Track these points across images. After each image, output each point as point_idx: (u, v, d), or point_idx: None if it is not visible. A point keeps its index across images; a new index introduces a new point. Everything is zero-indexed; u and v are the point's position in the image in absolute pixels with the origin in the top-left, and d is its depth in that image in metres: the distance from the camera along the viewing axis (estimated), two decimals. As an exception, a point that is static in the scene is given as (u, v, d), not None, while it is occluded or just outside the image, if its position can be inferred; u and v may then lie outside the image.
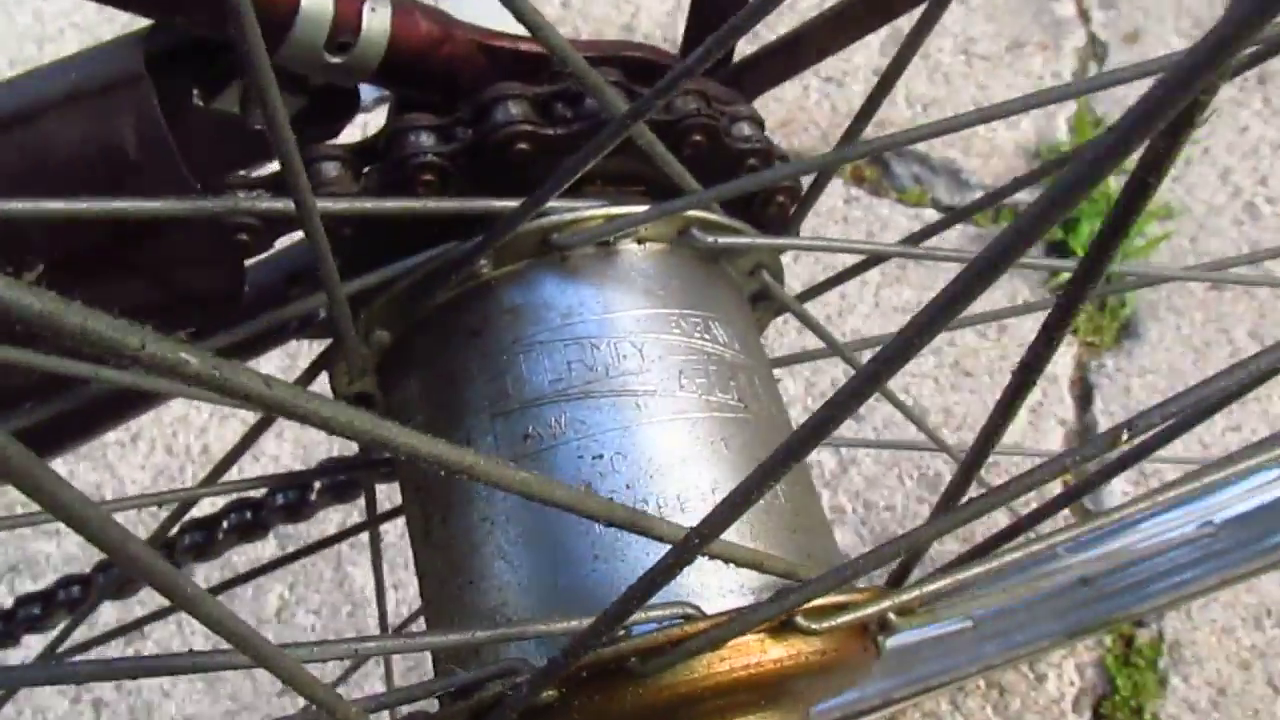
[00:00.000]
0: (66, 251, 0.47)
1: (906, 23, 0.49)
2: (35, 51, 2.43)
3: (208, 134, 0.50)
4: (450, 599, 0.47)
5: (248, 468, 1.74)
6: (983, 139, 2.05)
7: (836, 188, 1.96)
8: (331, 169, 0.48)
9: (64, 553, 1.59)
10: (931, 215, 1.97)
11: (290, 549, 1.63)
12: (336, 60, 0.45)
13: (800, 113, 2.12)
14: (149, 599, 1.13)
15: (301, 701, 0.38)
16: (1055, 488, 1.57)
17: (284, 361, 1.68)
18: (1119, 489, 1.65)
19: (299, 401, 0.23)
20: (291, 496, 0.76)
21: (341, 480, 0.73)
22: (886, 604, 0.44)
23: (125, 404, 0.63)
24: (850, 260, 0.58)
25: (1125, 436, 0.34)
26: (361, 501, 0.77)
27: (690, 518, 0.45)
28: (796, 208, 0.56)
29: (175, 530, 0.77)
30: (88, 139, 0.42)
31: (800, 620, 0.42)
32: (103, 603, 0.75)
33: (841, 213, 1.94)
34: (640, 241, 0.51)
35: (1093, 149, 0.22)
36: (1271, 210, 1.98)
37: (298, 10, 0.43)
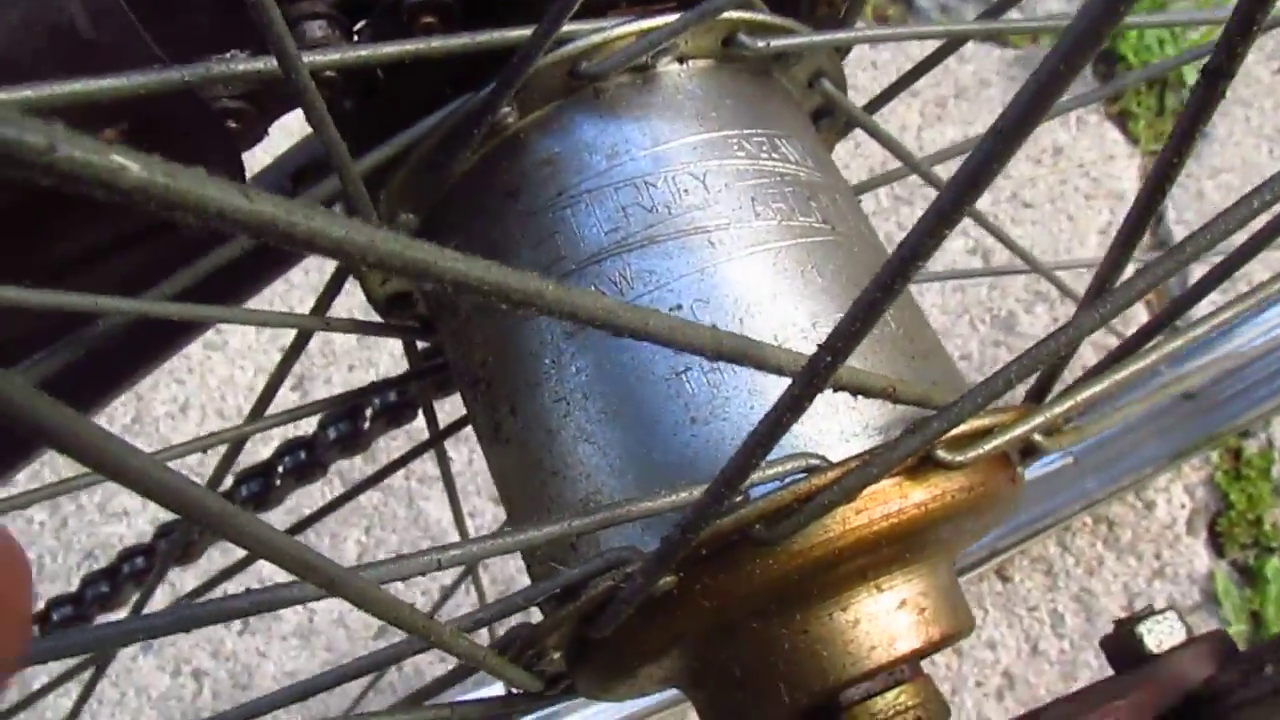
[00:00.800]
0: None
1: None
2: None
3: (201, 14, 0.43)
4: (534, 497, 0.41)
5: (304, 425, 1.71)
6: (1007, -44, 1.92)
7: (859, 34, 1.84)
8: (316, 29, 0.41)
9: (137, 532, 1.58)
10: (966, 48, 1.84)
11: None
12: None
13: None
14: (213, 563, 1.10)
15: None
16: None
17: (306, 285, 1.63)
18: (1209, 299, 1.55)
19: (293, 217, 0.16)
20: (344, 428, 0.71)
21: (394, 401, 0.68)
22: (1036, 422, 0.38)
23: (153, 338, 0.58)
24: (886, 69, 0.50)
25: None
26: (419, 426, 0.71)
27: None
28: (851, 1, 0.49)
29: (230, 483, 0.72)
30: (29, 22, 0.35)
31: (941, 454, 0.36)
32: (169, 570, 0.71)
33: (868, 58, 1.82)
34: (682, 60, 0.44)
35: None
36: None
37: None
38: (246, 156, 0.46)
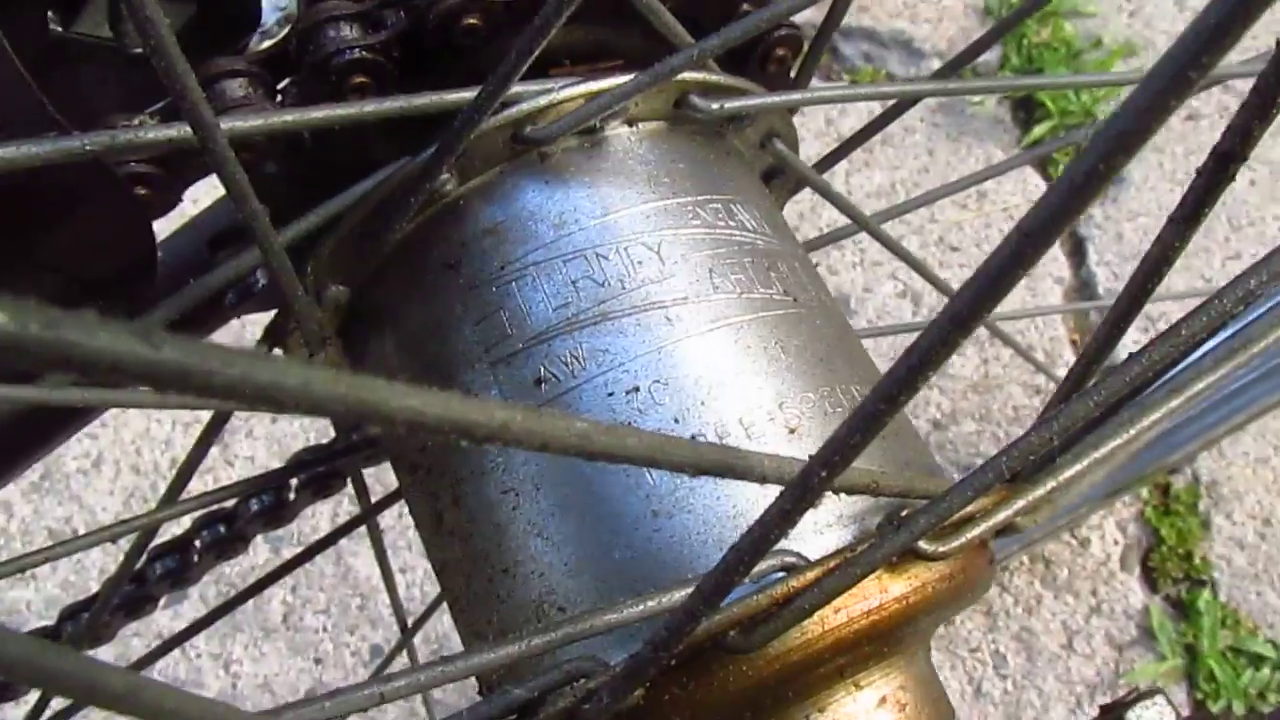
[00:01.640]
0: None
1: None
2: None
3: (85, 72, 0.39)
4: (481, 595, 0.38)
5: (222, 474, 1.64)
6: (929, 4, 1.95)
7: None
8: (236, 87, 0.37)
9: (45, 596, 1.49)
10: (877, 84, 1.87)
11: (285, 550, 1.54)
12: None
13: None
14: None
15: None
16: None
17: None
18: (1130, 338, 1.58)
19: (209, 365, 0.13)
20: (268, 500, 0.66)
21: (321, 472, 0.64)
22: (1019, 506, 0.35)
23: (52, 421, 0.53)
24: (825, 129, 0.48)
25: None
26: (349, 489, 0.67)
27: (762, 445, 0.36)
28: (804, 60, 0.47)
29: (144, 560, 0.67)
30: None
31: (922, 545, 0.34)
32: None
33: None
34: (631, 123, 0.41)
35: None
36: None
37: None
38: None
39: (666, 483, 0.35)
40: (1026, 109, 1.80)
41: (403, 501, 0.60)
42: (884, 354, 1.59)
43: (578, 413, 0.37)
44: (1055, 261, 1.68)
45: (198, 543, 0.70)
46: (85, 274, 0.41)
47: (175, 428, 1.68)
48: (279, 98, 0.39)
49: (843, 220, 1.66)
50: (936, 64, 1.83)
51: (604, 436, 0.20)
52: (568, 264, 0.38)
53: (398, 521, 1.52)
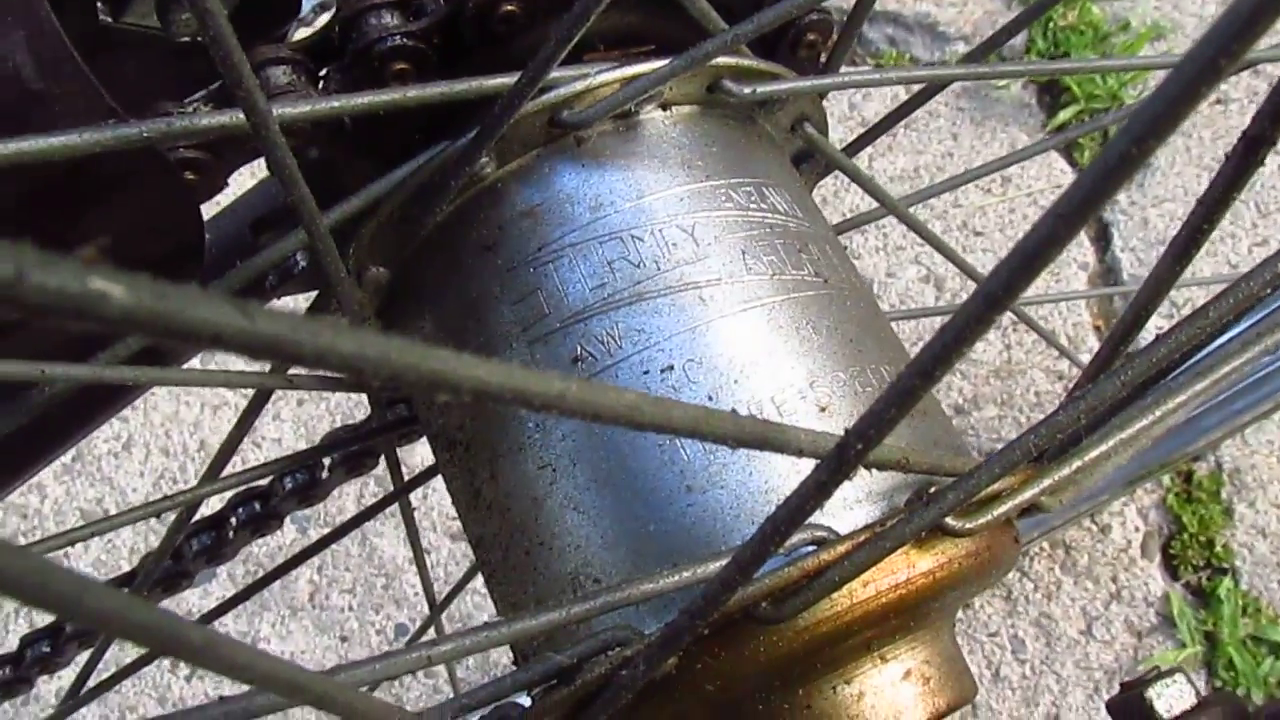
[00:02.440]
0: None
1: None
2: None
3: (128, 60, 0.40)
4: (518, 567, 0.39)
5: (250, 456, 1.66)
6: (953, -14, 1.93)
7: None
8: (280, 74, 0.38)
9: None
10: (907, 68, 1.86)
11: (311, 530, 1.56)
12: (261, -69, 0.35)
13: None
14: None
15: None
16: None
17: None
18: (1153, 323, 1.57)
19: (299, 336, 0.14)
20: (301, 479, 0.68)
21: (354, 451, 0.65)
22: (1045, 485, 0.36)
23: (96, 399, 0.54)
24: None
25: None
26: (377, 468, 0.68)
27: (793, 422, 0.37)
28: (836, 44, 0.47)
29: (181, 537, 0.69)
30: (-35, 75, 0.33)
31: (950, 521, 0.35)
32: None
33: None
34: (665, 107, 0.42)
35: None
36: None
37: None
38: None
39: (700, 458, 0.36)
40: (1052, 93, 1.79)
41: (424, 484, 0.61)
42: (907, 338, 1.59)
43: (612, 391, 0.38)
44: (1080, 247, 1.67)
45: (233, 520, 0.72)
46: (133, 256, 0.42)
47: (204, 410, 1.70)
48: (320, 84, 0.40)
49: (867, 204, 1.66)
50: (962, 48, 1.82)
51: (651, 408, 0.21)
52: (603, 245, 0.39)
53: (421, 503, 1.54)
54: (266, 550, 1.53)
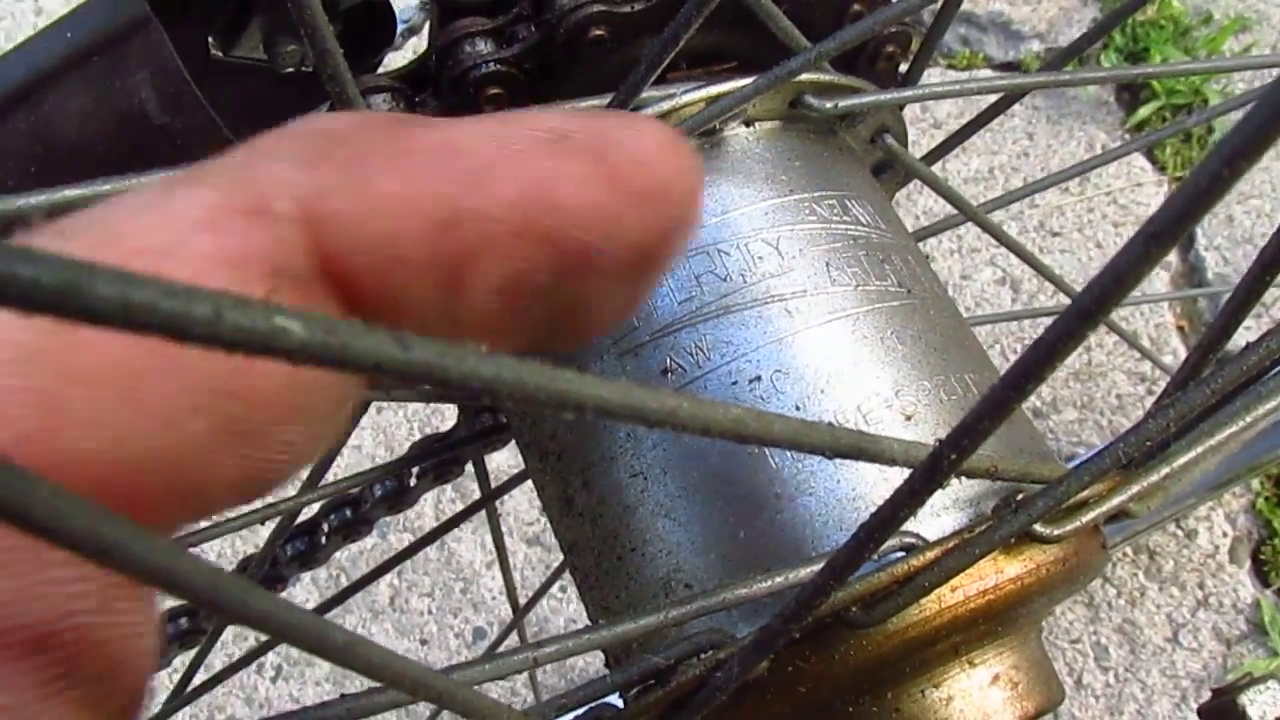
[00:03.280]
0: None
1: None
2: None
3: (234, 90, 0.43)
4: (610, 572, 0.40)
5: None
6: (1027, -17, 1.91)
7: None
8: (381, 101, 0.40)
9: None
10: (987, 76, 1.84)
11: (390, 535, 1.59)
12: (366, -32, 0.37)
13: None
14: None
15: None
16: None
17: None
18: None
19: (450, 363, 0.16)
20: (391, 486, 0.70)
21: (442, 459, 0.67)
22: (1134, 491, 0.36)
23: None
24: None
25: None
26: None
27: (879, 431, 0.37)
28: (916, 56, 0.48)
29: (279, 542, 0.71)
30: (100, 107, 0.35)
31: (1039, 528, 0.35)
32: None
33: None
34: (748, 123, 0.43)
35: None
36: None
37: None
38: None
39: (789, 466, 0.37)
40: (1130, 89, 1.76)
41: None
42: (982, 341, 1.58)
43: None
44: (1161, 246, 1.64)
45: (325, 526, 0.75)
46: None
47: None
48: (416, 109, 0.42)
49: (940, 205, 1.64)
50: (1036, 47, 1.80)
51: (754, 422, 0.22)
52: (690, 260, 0.40)
53: (499, 507, 1.57)
54: (348, 555, 1.57)
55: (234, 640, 1.49)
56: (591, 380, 0.18)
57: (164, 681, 1.42)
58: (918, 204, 1.65)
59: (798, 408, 0.38)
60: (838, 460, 0.37)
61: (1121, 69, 0.47)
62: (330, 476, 0.57)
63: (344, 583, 1.52)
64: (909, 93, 0.44)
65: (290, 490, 0.54)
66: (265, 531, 0.66)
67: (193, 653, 0.75)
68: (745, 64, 0.46)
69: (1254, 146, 0.18)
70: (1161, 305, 1.57)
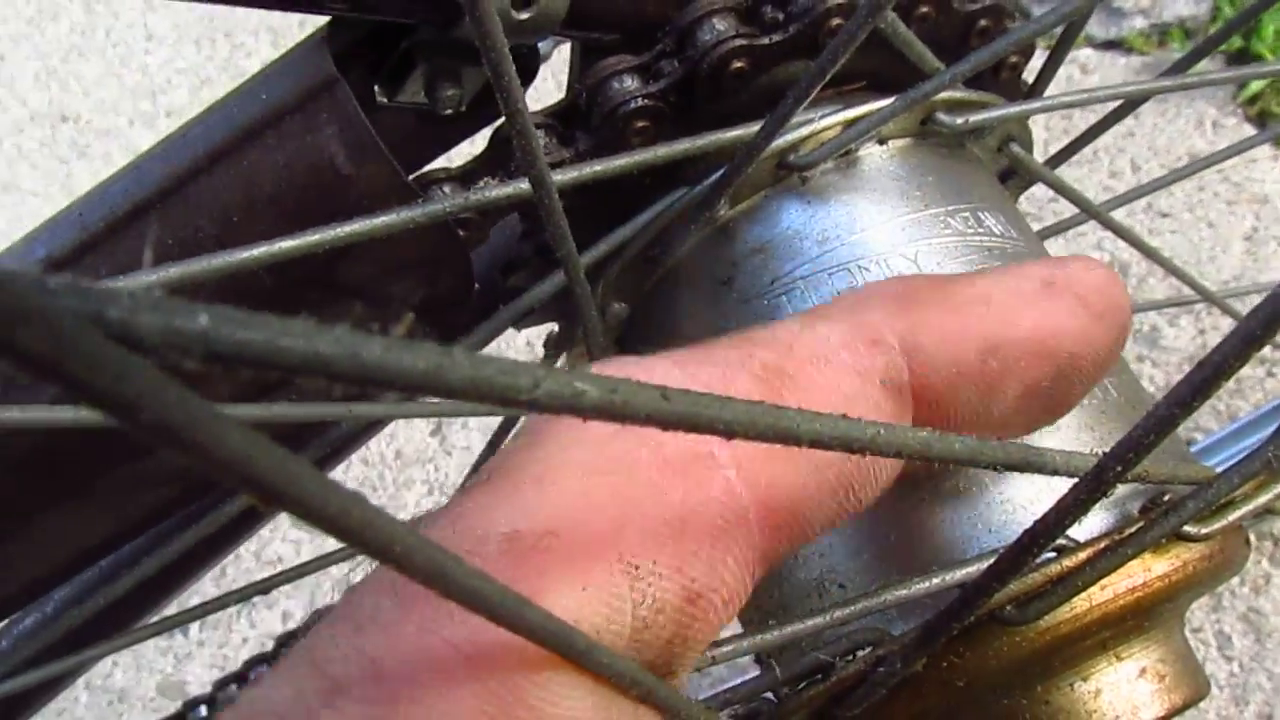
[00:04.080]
0: (277, 286, 0.44)
1: None
2: (150, 105, 2.51)
3: (397, 131, 0.46)
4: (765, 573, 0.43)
5: (441, 463, 1.76)
6: (1126, -42, 1.86)
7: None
8: (542, 137, 0.43)
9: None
10: (1089, 56, 1.81)
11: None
12: (524, 16, 0.40)
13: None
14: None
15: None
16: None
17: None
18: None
19: (701, 410, 0.18)
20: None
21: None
22: (1278, 491, 0.37)
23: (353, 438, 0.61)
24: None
25: None
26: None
27: (1029, 438, 0.39)
28: (1043, 68, 0.49)
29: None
30: (294, 160, 0.39)
31: (1187, 528, 0.37)
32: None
33: (987, 75, 1.79)
34: (882, 141, 0.45)
35: None
36: None
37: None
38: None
39: (939, 470, 0.39)
40: (1241, 63, 1.71)
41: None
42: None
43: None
44: (1279, 224, 1.59)
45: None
46: (392, 299, 0.48)
47: (399, 421, 1.81)
48: (575, 142, 0.45)
49: (1045, 193, 1.61)
50: (1140, 24, 1.76)
51: (939, 443, 0.24)
52: (832, 276, 0.42)
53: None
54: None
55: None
56: (730, 403, 0.20)
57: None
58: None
59: (943, 417, 0.40)
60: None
61: (1250, 69, 0.48)
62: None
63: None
64: (1036, 104, 0.46)
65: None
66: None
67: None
68: (873, 83, 0.48)
69: None
70: (1280, 285, 1.52)
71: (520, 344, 1.71)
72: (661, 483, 0.25)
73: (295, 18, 2.52)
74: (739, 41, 0.42)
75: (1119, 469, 0.26)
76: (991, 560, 0.31)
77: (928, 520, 0.39)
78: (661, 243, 0.45)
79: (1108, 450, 0.27)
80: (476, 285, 0.47)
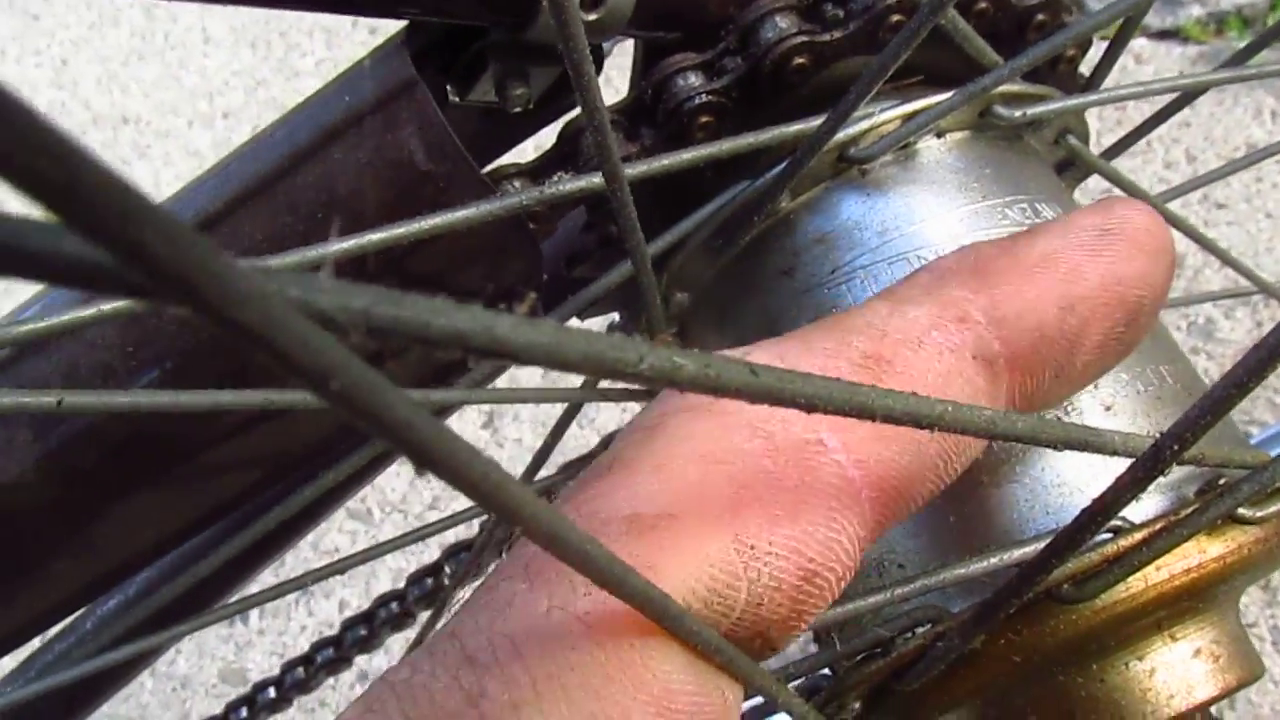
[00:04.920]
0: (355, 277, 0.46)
1: None
2: (208, 106, 2.56)
3: (466, 128, 0.48)
4: (824, 553, 0.44)
5: (493, 455, 1.79)
6: (1181, -54, 1.84)
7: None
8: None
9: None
10: (1144, 45, 1.79)
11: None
12: (592, 16, 0.42)
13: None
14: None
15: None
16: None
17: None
18: None
19: (785, 385, 0.20)
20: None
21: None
22: (1336, 473, 0.38)
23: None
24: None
25: None
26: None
27: (1080, 420, 0.40)
28: (1101, 61, 0.50)
29: (403, 584, 0.78)
30: (375, 158, 0.41)
31: (1241, 510, 0.37)
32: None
33: (1039, 65, 1.78)
34: (940, 134, 0.46)
35: None
36: None
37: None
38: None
39: (995, 454, 0.40)
40: (1299, 51, 1.68)
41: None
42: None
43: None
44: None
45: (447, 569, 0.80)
46: (461, 290, 0.50)
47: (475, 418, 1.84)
48: (641, 137, 0.47)
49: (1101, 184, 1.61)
50: (1196, 12, 1.74)
51: (1002, 421, 0.25)
52: (892, 266, 0.44)
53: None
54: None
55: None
56: (808, 378, 0.21)
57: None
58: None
59: (1002, 402, 0.41)
60: (1042, 452, 0.40)
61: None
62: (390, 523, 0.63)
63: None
64: (1093, 97, 0.46)
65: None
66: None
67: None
68: (930, 77, 0.49)
69: None
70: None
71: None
72: (775, 469, 0.27)
73: (348, 19, 2.56)
74: (800, 38, 0.44)
75: (1175, 449, 0.27)
76: (1049, 540, 0.32)
77: (986, 503, 0.40)
78: (724, 234, 0.47)
79: (1164, 431, 0.28)
80: (545, 276, 0.49)
